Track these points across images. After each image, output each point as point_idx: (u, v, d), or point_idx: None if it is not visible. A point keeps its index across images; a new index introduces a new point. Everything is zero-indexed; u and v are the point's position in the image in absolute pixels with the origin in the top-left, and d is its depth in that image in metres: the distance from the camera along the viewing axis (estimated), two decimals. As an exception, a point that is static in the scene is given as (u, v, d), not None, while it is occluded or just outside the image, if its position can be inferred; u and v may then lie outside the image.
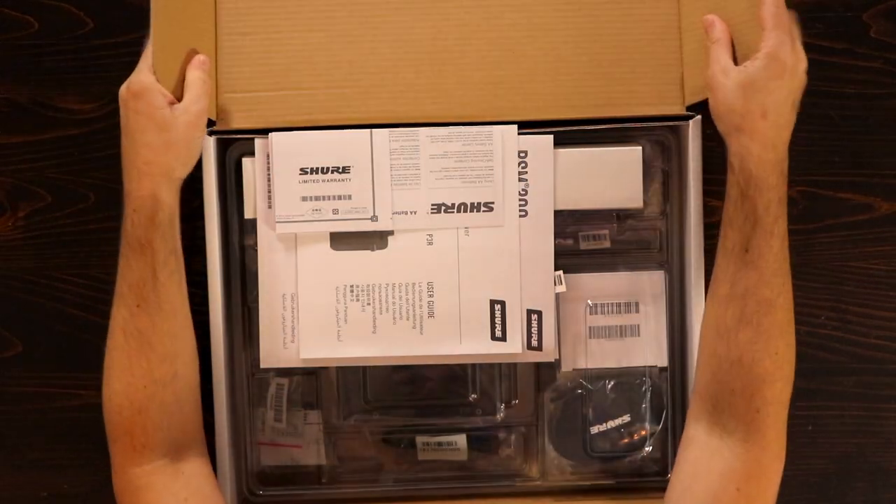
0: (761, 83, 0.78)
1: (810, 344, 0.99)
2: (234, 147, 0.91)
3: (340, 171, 0.89)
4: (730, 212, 0.80)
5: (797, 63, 0.79)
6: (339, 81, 0.91)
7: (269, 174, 0.90)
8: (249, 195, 0.91)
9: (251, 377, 0.94)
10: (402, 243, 0.90)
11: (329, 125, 0.90)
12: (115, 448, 0.83)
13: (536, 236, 0.90)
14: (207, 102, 0.84)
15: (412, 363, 0.91)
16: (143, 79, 0.81)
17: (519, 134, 0.89)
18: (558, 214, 0.92)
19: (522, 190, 0.90)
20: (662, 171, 0.93)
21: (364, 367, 0.92)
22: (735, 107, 0.78)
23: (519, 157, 0.89)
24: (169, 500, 0.81)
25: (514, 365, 0.94)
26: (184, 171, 0.83)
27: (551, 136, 0.89)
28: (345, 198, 0.89)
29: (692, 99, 0.91)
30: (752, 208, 0.79)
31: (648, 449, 0.94)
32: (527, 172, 0.89)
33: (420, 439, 0.94)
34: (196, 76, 0.84)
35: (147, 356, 0.81)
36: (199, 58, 0.85)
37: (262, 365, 0.91)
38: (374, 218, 0.89)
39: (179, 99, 0.82)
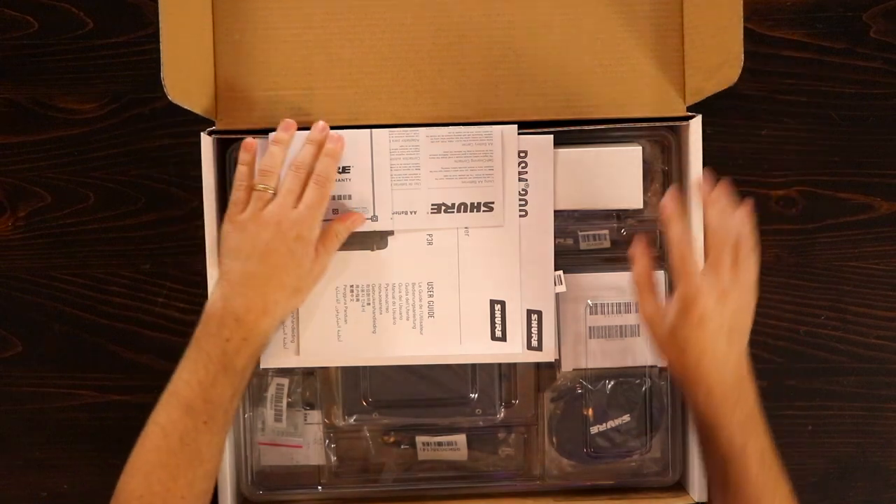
0: (683, 333, 0.77)
1: (810, 344, 0.99)
2: (234, 147, 0.91)
3: (340, 171, 0.88)
4: (700, 448, 0.81)
5: (729, 292, 0.78)
6: (339, 81, 0.91)
7: None
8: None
9: (251, 377, 0.94)
10: (402, 243, 0.90)
11: (329, 125, 0.90)
12: None
13: (536, 236, 0.90)
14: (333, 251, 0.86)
15: (412, 363, 0.91)
16: (315, 227, 0.82)
17: (519, 134, 0.89)
18: (558, 214, 0.92)
19: (522, 190, 0.90)
20: (662, 171, 0.93)
21: (364, 367, 0.92)
22: (671, 358, 0.79)
23: (519, 156, 0.89)
24: None
25: (514, 365, 0.93)
26: (291, 312, 0.87)
27: (551, 136, 0.89)
28: (345, 198, 0.89)
29: (692, 99, 0.91)
30: (717, 448, 0.78)
31: (648, 449, 0.94)
32: (527, 172, 0.89)
33: (420, 439, 0.94)
34: (340, 231, 0.85)
35: (195, 469, 0.79)
36: (356, 216, 0.87)
37: (263, 365, 0.91)
38: (374, 218, 0.89)
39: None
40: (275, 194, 0.83)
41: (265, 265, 0.81)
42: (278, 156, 0.84)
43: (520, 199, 0.90)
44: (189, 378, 0.80)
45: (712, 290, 0.78)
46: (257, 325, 0.80)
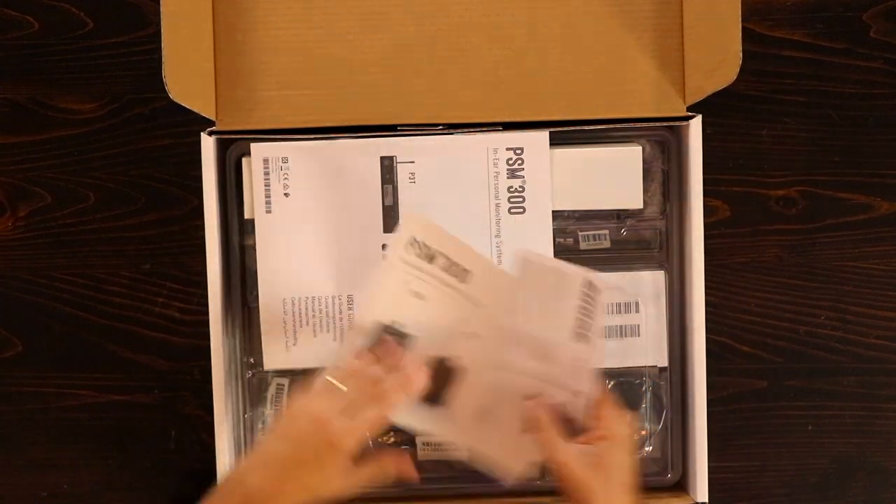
0: (610, 459, 0.78)
1: (810, 344, 0.99)
2: (234, 147, 0.91)
3: None
4: None
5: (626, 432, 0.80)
6: (339, 81, 0.91)
7: (267, 178, 0.90)
8: (249, 195, 0.91)
9: (251, 377, 0.94)
10: None
11: (329, 125, 0.90)
12: None
13: (535, 234, 0.90)
14: (370, 483, 0.79)
15: None
16: (354, 443, 0.76)
17: (513, 130, 0.89)
18: (558, 214, 0.92)
19: (519, 187, 0.90)
20: (662, 171, 0.93)
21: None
22: (589, 487, 0.77)
23: (515, 153, 0.89)
24: None
25: (514, 365, 0.94)
26: None
27: (546, 133, 0.89)
28: None
29: (692, 99, 0.91)
30: None
31: (648, 449, 0.94)
32: (523, 170, 0.89)
33: (420, 439, 0.94)
34: (380, 470, 0.80)
35: None
36: (406, 468, 0.82)
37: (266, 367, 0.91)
38: None
39: None
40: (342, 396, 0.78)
41: (292, 454, 0.76)
42: (369, 367, 0.80)
43: (517, 197, 0.90)
44: None
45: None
46: None
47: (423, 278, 0.83)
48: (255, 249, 0.92)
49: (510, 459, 0.84)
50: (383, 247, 0.91)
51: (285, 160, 0.90)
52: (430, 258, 0.83)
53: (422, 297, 0.83)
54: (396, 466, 0.81)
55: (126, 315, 0.99)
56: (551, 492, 0.94)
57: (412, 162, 0.90)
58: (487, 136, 0.90)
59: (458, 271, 0.83)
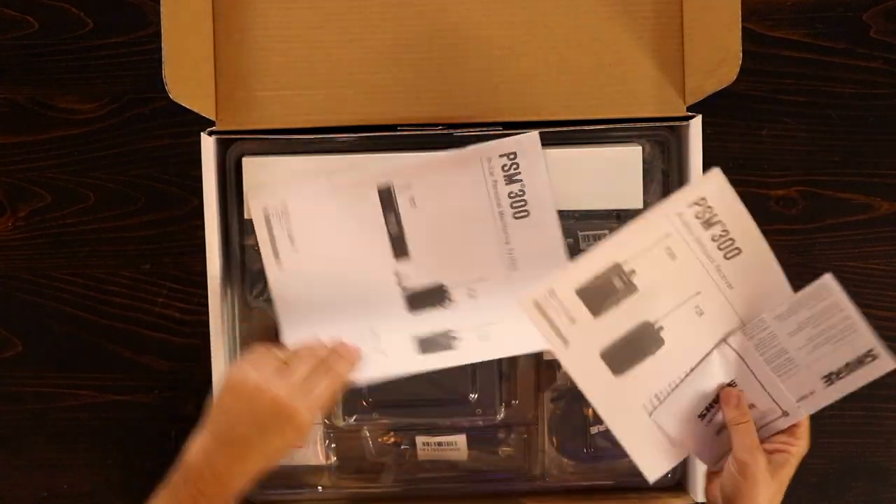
0: (785, 477, 0.81)
1: (810, 344, 0.99)
2: (234, 147, 0.91)
3: None
4: None
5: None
6: (339, 81, 0.91)
7: (270, 230, 0.90)
8: (249, 195, 0.91)
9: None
10: None
11: (329, 125, 0.90)
12: None
13: (543, 234, 0.90)
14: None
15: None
16: (311, 416, 0.78)
17: (501, 134, 0.89)
18: (558, 214, 0.92)
19: (519, 191, 0.89)
20: (662, 172, 0.93)
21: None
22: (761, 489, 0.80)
23: (508, 158, 0.89)
24: None
25: (515, 365, 0.93)
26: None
27: (536, 132, 0.89)
28: None
29: (692, 99, 0.91)
30: None
31: (648, 449, 0.94)
32: (520, 173, 0.89)
33: (420, 439, 0.94)
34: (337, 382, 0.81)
35: None
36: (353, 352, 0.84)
37: None
38: None
39: None
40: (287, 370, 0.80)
41: (258, 434, 0.78)
42: (311, 347, 0.83)
43: (519, 201, 0.90)
44: None
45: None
46: (234, 484, 0.77)
47: (687, 240, 0.81)
48: (255, 249, 0.92)
49: (672, 449, 0.85)
50: (396, 274, 0.91)
51: (285, 209, 0.90)
52: (709, 224, 0.81)
53: (673, 256, 0.82)
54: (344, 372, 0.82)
55: (126, 315, 0.99)
56: (552, 492, 0.95)
57: (409, 185, 0.89)
58: (479, 148, 0.89)
59: (729, 248, 0.82)
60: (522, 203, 0.90)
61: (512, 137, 0.89)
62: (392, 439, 0.95)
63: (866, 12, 0.98)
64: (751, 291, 0.83)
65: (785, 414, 0.82)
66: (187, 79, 0.86)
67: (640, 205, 0.92)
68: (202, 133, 0.88)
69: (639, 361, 0.82)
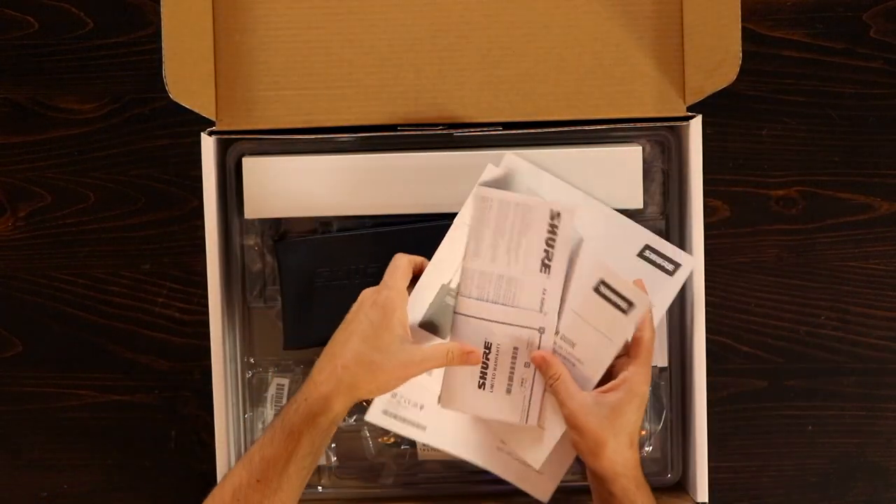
0: (624, 413, 0.80)
1: (810, 344, 0.99)
2: (234, 147, 0.91)
3: None
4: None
5: (646, 392, 0.82)
6: (339, 81, 0.91)
7: None
8: (249, 195, 0.91)
9: (251, 377, 0.94)
10: None
11: (329, 125, 0.90)
12: None
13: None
14: (437, 365, 0.81)
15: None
16: (395, 297, 0.79)
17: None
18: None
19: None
20: (662, 171, 0.93)
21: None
22: (601, 437, 0.80)
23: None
24: None
25: (514, 365, 0.94)
26: (369, 395, 0.80)
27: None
28: None
29: (692, 99, 0.91)
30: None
31: (648, 449, 0.94)
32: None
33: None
34: (447, 357, 0.81)
35: None
36: (472, 353, 0.82)
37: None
38: None
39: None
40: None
41: (343, 331, 0.80)
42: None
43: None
44: (258, 438, 0.80)
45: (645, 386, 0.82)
46: (319, 388, 0.77)
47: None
48: (255, 249, 0.93)
49: (505, 414, 0.86)
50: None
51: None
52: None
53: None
54: (461, 356, 0.82)
55: (126, 315, 0.99)
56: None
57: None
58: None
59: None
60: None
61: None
62: (392, 439, 0.95)
63: (866, 12, 0.98)
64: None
65: (541, 330, 0.84)
66: (187, 79, 0.86)
67: (640, 205, 0.92)
68: (202, 133, 0.88)
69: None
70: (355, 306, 0.81)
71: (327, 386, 0.77)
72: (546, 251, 0.84)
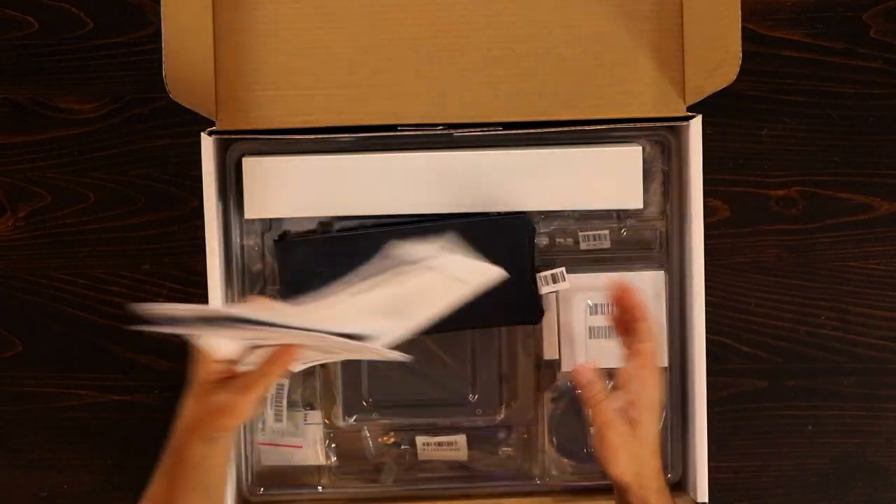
0: (641, 424, 0.81)
1: (810, 344, 0.99)
2: (234, 147, 0.91)
3: None
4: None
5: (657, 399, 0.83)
6: (339, 81, 0.91)
7: None
8: (249, 195, 0.91)
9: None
10: None
11: (329, 125, 0.90)
12: None
13: None
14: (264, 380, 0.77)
15: None
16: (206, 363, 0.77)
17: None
18: (558, 214, 0.92)
19: None
20: (662, 171, 0.93)
21: (364, 367, 0.92)
22: (618, 449, 0.81)
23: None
24: None
25: (515, 365, 0.93)
26: (225, 430, 0.78)
27: None
28: None
29: (692, 99, 0.91)
30: None
31: (648, 449, 0.94)
32: None
33: (420, 439, 0.94)
34: (272, 373, 0.77)
35: None
36: (288, 352, 0.76)
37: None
38: None
39: None
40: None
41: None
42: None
43: None
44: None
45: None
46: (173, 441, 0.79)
47: None
48: (255, 249, 0.93)
49: None
50: None
51: None
52: None
53: None
54: (277, 360, 0.77)
55: (126, 315, 0.99)
56: (552, 492, 0.95)
57: None
58: None
59: None
60: None
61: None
62: (392, 439, 0.95)
63: (866, 12, 0.98)
64: None
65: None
66: (187, 79, 0.86)
67: (640, 205, 0.92)
68: (202, 133, 0.88)
69: None
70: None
71: (177, 439, 0.78)
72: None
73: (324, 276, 0.90)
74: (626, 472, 0.81)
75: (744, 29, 0.85)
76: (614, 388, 0.83)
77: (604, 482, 0.94)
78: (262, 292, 0.93)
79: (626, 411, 0.81)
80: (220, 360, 0.76)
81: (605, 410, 0.81)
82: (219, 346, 0.76)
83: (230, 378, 0.77)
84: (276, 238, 0.93)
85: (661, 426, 0.83)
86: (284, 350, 0.76)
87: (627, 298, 0.84)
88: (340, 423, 0.94)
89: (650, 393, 0.82)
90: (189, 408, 0.78)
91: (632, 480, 0.81)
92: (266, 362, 0.76)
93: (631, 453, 0.81)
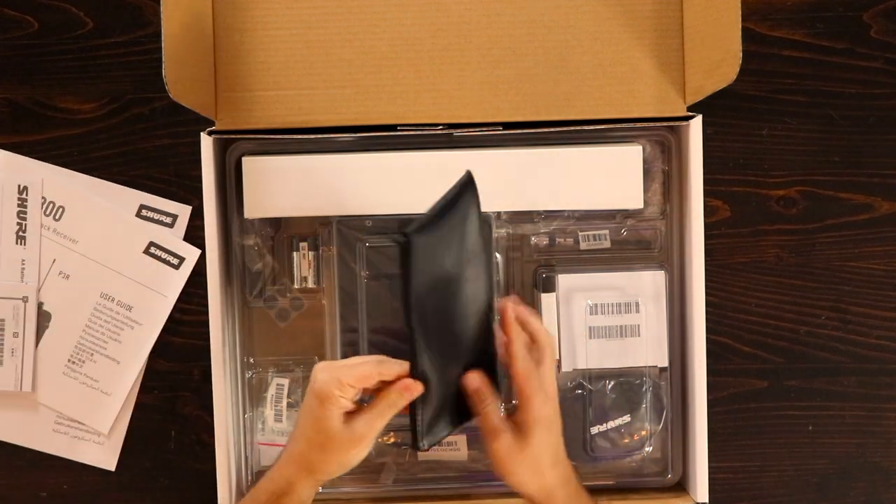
0: (532, 438, 0.79)
1: (810, 344, 0.99)
2: (234, 147, 0.91)
3: None
4: None
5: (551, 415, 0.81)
6: (338, 81, 0.91)
7: None
8: (249, 195, 0.91)
9: (251, 377, 0.94)
10: None
11: (329, 125, 0.90)
12: None
13: None
14: (378, 431, 0.79)
15: None
16: (330, 384, 0.78)
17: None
18: (558, 214, 0.92)
19: None
20: (662, 171, 0.93)
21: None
22: (508, 466, 0.79)
23: None
24: None
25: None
26: (327, 476, 0.81)
27: None
28: None
29: (692, 98, 0.91)
30: None
31: (648, 449, 0.94)
32: None
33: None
34: (389, 405, 0.79)
35: None
36: (407, 383, 0.79)
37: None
38: None
39: None
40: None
41: (297, 419, 0.81)
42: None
43: None
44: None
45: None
46: (280, 470, 0.80)
47: None
48: (255, 249, 0.93)
49: None
50: None
51: None
52: None
53: None
54: (394, 391, 0.79)
55: (126, 315, 0.99)
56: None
57: None
58: None
59: None
60: None
61: None
62: (392, 439, 0.95)
63: (866, 12, 0.98)
64: None
65: (25, 299, 0.91)
66: (187, 79, 0.86)
67: (640, 205, 0.92)
68: (202, 133, 0.88)
69: None
70: (305, 397, 0.80)
71: (289, 469, 0.80)
72: (19, 224, 0.92)
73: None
74: (525, 484, 0.79)
75: (744, 29, 0.84)
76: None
77: (603, 482, 0.94)
78: (262, 292, 0.93)
79: (516, 420, 0.80)
80: (345, 396, 0.78)
81: (490, 419, 0.80)
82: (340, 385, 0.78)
83: (355, 412, 0.79)
84: (401, 233, 0.79)
85: (559, 434, 0.81)
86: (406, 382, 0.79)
87: (519, 315, 0.82)
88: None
89: (541, 400, 0.80)
90: (304, 446, 0.79)
91: (535, 493, 0.79)
92: (390, 392, 0.79)
93: (523, 465, 0.79)
